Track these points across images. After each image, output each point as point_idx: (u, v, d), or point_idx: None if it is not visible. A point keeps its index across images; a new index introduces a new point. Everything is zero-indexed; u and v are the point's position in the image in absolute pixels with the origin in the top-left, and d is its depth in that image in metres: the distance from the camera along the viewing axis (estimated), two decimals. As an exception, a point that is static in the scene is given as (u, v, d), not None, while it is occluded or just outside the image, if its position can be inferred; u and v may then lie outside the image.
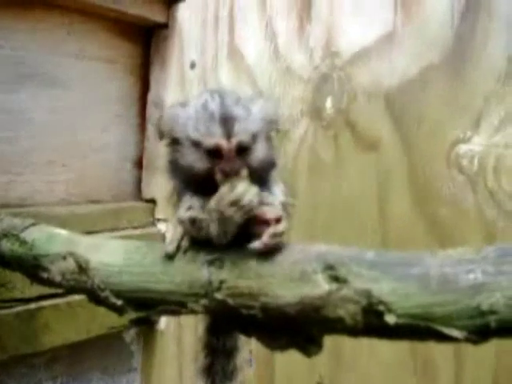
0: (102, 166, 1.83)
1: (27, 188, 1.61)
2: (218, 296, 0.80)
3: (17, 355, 1.42)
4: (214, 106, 0.85)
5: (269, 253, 0.81)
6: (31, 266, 1.08)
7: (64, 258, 1.00)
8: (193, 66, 1.83)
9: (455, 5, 1.41)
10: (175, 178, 0.93)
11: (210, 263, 0.83)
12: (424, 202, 1.45)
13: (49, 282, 1.05)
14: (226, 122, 0.84)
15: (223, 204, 0.82)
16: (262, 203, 0.84)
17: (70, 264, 0.98)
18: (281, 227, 0.81)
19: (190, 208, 0.87)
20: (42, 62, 1.65)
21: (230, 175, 0.84)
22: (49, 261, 1.04)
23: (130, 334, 1.84)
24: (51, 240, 1.08)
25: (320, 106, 1.59)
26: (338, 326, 0.72)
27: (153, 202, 1.90)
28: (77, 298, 1.45)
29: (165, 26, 1.89)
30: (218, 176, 0.84)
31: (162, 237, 1.86)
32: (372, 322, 0.71)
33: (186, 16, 1.85)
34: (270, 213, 0.83)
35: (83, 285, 0.96)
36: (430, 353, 1.43)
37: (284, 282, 0.76)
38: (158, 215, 1.89)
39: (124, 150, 1.91)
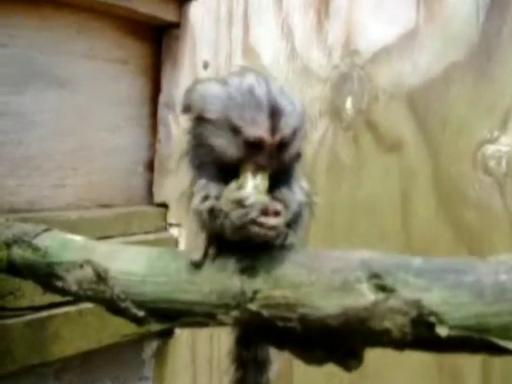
0: (113, 170, 1.78)
1: (35, 192, 1.56)
2: (252, 307, 0.74)
3: (26, 365, 1.37)
4: (262, 93, 0.79)
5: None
6: (44, 275, 1.02)
7: (81, 266, 0.94)
8: (206, 66, 1.78)
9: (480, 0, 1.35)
10: (193, 157, 0.87)
11: (242, 271, 0.76)
12: (449, 205, 1.39)
13: (64, 292, 0.99)
14: (274, 115, 0.78)
15: (226, 200, 0.78)
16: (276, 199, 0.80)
17: (88, 273, 0.92)
18: (271, 221, 0.76)
19: (206, 198, 0.82)
20: (49, 61, 1.59)
21: (263, 168, 0.79)
22: (63, 269, 0.98)
23: (151, 347, 1.79)
24: (66, 247, 1.02)
25: (339, 107, 1.54)
26: (384, 339, 0.66)
27: (165, 206, 1.85)
28: (88, 305, 1.40)
29: (177, 25, 1.84)
30: (250, 167, 0.79)
31: (175, 242, 1.81)
32: (421, 335, 0.65)
33: (198, 15, 1.80)
34: (271, 206, 0.78)
35: (102, 295, 0.90)
36: (456, 362, 1.37)
37: (324, 291, 0.70)
38: (171, 220, 1.84)
39: (135, 153, 1.86)
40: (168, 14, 1.80)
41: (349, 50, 1.54)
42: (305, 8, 1.60)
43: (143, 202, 1.88)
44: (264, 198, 0.77)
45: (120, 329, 1.55)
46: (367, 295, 0.66)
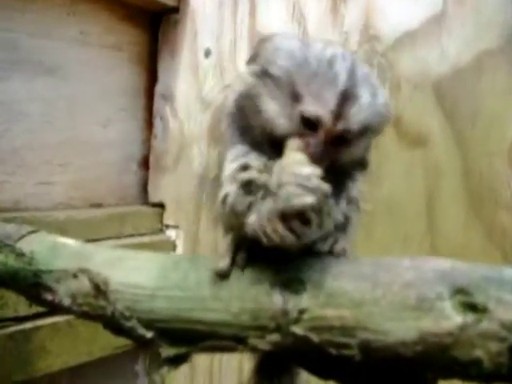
0: (105, 166, 1.67)
1: (21, 190, 1.45)
2: (297, 330, 0.59)
3: (9, 382, 1.25)
4: (343, 69, 0.66)
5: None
6: (31, 285, 0.88)
7: (74, 275, 0.79)
8: (207, 53, 1.67)
9: (516, -20, 1.27)
10: (237, 118, 0.73)
11: (285, 285, 0.61)
12: (480, 206, 1.30)
13: (54, 306, 0.85)
14: (347, 99, 0.65)
15: (287, 171, 0.62)
16: None
17: (83, 284, 0.77)
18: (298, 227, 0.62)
19: (245, 168, 0.67)
20: (37, 46, 1.48)
21: (312, 158, 0.63)
22: (54, 279, 0.84)
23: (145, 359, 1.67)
24: (56, 252, 0.88)
25: (357, 97, 1.43)
26: (472, 372, 0.53)
27: (161, 206, 1.74)
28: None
29: (175, 10, 1.72)
30: (294, 146, 0.65)
31: (172, 245, 1.69)
32: (521, 366, 0.51)
33: (199, -2, 1.69)
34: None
35: (101, 311, 0.76)
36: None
37: (393, 311, 0.56)
38: (167, 221, 1.73)
39: (129, 149, 1.75)
40: (166, -3, 1.69)
41: (368, 35, 1.43)
42: (319, -11, 1.49)
43: (137, 201, 1.77)
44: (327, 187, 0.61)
45: (113, 340, 1.42)
46: (452, 317, 0.52)
